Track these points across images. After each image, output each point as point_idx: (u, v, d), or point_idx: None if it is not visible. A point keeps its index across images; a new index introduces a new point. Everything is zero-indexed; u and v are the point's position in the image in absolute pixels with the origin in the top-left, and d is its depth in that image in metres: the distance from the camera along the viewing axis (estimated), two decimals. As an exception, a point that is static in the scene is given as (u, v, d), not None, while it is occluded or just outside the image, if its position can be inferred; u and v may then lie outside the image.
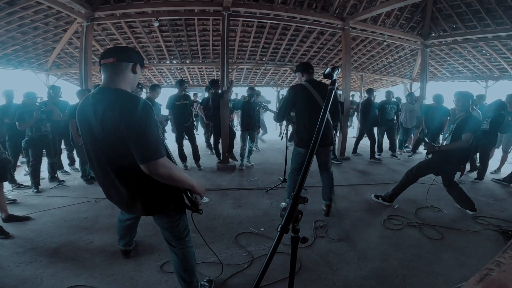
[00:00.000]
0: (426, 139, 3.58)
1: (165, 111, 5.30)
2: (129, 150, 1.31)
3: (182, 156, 5.32)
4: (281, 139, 5.27)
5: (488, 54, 8.88)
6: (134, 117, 1.28)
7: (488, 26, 6.89)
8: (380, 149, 6.75)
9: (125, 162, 1.38)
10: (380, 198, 3.67)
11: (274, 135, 10.03)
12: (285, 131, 4.85)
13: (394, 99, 6.93)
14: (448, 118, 6.21)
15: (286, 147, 4.50)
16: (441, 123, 6.15)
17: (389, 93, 6.72)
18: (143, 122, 1.29)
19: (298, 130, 3.19)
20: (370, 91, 6.81)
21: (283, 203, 3.51)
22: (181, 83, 5.19)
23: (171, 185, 1.42)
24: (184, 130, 5.27)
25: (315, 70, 10.63)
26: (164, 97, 5.35)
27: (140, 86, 4.84)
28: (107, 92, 1.39)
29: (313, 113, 2.97)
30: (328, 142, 3.15)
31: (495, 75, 9.72)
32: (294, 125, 3.52)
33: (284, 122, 5.70)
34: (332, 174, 3.31)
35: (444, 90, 19.58)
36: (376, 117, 6.54)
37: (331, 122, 3.06)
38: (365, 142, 6.79)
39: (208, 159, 6.07)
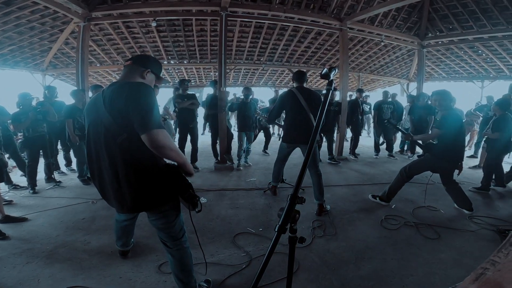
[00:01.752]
0: (400, 128, 3.75)
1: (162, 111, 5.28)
2: (130, 132, 1.42)
3: None
4: (279, 140, 5.30)
5: (484, 55, 8.93)
6: (139, 94, 1.44)
7: (484, 27, 6.94)
8: (377, 149, 6.76)
9: (123, 148, 1.46)
10: (377, 198, 3.69)
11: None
12: (280, 132, 4.88)
13: (390, 99, 6.94)
14: (433, 117, 6.30)
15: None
16: (426, 121, 6.19)
17: (386, 93, 6.74)
18: (147, 97, 1.44)
19: (284, 128, 3.61)
20: (360, 91, 6.91)
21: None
22: (181, 83, 5.17)
23: (169, 157, 1.49)
24: (188, 131, 5.23)
25: (312, 70, 10.63)
26: (160, 98, 5.32)
27: None
28: (116, 84, 1.54)
29: (296, 114, 3.37)
30: (305, 140, 3.35)
31: (491, 76, 9.80)
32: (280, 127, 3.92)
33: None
34: (320, 174, 3.35)
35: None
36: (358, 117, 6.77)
37: (313, 122, 3.25)
38: (364, 142, 6.82)
39: (206, 159, 6.06)
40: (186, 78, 8.55)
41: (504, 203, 3.78)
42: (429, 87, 11.87)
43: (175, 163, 1.58)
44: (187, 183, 1.58)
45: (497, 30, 6.82)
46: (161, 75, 1.76)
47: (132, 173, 1.49)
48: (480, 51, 8.82)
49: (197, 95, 10.75)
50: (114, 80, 8.28)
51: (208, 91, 11.75)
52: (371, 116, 8.63)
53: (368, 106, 9.69)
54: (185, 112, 5.08)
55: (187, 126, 5.14)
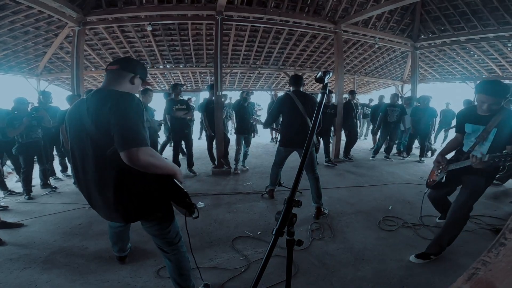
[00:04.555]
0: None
1: (158, 117, 5.26)
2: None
3: (177, 163, 5.25)
4: (275, 143, 5.32)
5: (476, 56, 9.06)
6: (122, 107, 1.35)
7: (475, 28, 7.05)
8: (376, 152, 6.79)
9: (111, 159, 1.39)
10: (432, 256, 2.41)
11: (267, 138, 10.08)
12: (277, 136, 4.88)
13: (399, 102, 6.88)
14: (434, 119, 6.56)
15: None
16: (429, 124, 6.39)
17: (394, 96, 6.76)
18: (130, 111, 1.35)
19: (281, 132, 3.63)
20: (352, 93, 6.96)
21: None
22: (174, 88, 5.10)
23: (156, 173, 1.43)
24: (183, 137, 5.21)
25: (307, 74, 10.67)
26: (156, 102, 5.30)
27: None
28: (101, 92, 1.47)
29: (293, 118, 3.38)
30: (302, 144, 3.30)
31: (484, 76, 9.91)
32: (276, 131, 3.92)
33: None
34: (318, 177, 3.36)
35: (434, 92, 19.96)
36: (352, 119, 6.80)
37: (310, 126, 3.16)
38: (360, 145, 6.84)
39: (203, 164, 6.06)
40: (180, 83, 8.45)
41: (501, 202, 3.81)
42: (423, 89, 12.01)
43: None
44: (183, 192, 1.53)
45: (488, 31, 6.93)
46: (146, 79, 1.70)
47: (123, 185, 1.44)
48: (472, 52, 8.95)
49: (193, 99, 10.68)
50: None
51: (205, 95, 11.77)
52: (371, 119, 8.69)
53: (370, 109, 9.76)
54: (179, 118, 5.07)
55: (181, 132, 5.13)
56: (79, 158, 1.50)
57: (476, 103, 2.27)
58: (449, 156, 2.56)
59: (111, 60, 8.47)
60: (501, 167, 2.05)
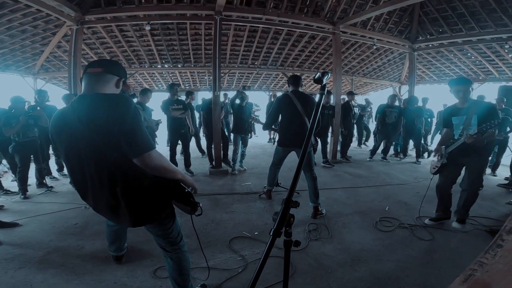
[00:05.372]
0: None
1: (156, 116, 5.24)
2: (120, 150, 1.32)
3: (174, 163, 5.19)
4: (273, 144, 5.31)
5: (473, 57, 9.10)
6: (124, 112, 1.32)
7: (473, 29, 7.09)
8: (373, 153, 6.81)
9: (116, 165, 1.38)
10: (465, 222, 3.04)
11: (265, 139, 10.08)
12: (275, 136, 4.88)
13: (397, 104, 6.92)
14: (424, 119, 6.65)
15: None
16: (420, 125, 6.46)
17: (393, 97, 6.77)
18: (134, 116, 1.33)
19: (280, 132, 3.64)
20: (350, 94, 6.97)
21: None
22: (171, 87, 5.09)
23: (165, 176, 1.43)
24: (179, 137, 5.20)
25: (306, 74, 10.68)
26: (154, 102, 5.26)
27: (133, 94, 4.72)
28: (89, 98, 1.40)
29: (292, 118, 3.39)
30: (300, 144, 3.34)
31: (480, 78, 9.95)
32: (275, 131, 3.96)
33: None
34: (315, 177, 3.37)
35: (431, 93, 20.01)
36: (351, 120, 6.87)
37: (308, 126, 3.24)
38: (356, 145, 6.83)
39: (201, 164, 6.04)
40: (176, 83, 8.34)
41: (496, 204, 3.83)
42: (421, 90, 12.04)
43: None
44: (187, 191, 1.53)
45: (485, 32, 6.97)
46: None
47: (129, 191, 1.42)
48: (469, 54, 8.99)
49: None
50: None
51: (203, 95, 11.77)
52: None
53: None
54: (176, 118, 5.04)
55: (178, 132, 5.12)
56: (78, 168, 1.46)
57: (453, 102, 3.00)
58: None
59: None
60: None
